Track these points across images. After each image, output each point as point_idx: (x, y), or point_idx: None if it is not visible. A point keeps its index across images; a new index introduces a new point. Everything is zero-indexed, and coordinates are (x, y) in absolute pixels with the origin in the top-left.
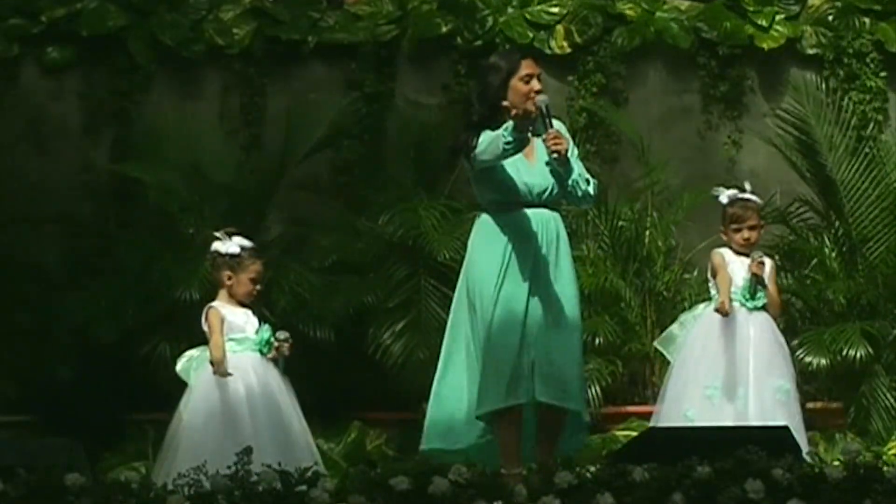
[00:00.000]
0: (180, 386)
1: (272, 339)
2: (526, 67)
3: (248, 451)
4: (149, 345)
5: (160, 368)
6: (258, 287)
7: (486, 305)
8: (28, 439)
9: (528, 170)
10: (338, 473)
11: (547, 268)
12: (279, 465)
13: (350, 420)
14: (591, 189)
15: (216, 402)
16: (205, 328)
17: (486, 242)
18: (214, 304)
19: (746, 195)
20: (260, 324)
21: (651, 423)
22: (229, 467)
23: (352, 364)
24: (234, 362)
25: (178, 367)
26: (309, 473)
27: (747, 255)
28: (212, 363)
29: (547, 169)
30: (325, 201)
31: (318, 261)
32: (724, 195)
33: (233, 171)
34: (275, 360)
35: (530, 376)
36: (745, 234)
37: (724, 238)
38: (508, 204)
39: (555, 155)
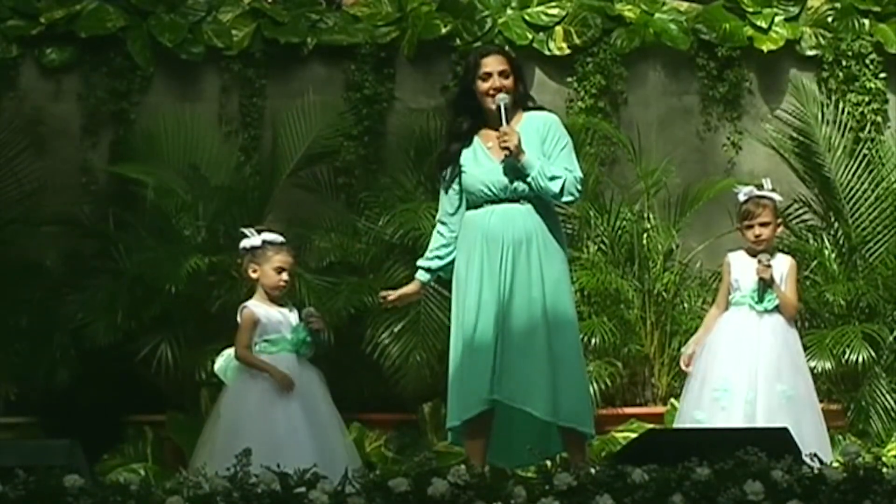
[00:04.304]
0: (180, 388)
1: (308, 340)
2: (484, 66)
3: (247, 452)
4: (148, 346)
5: (160, 370)
6: (285, 277)
7: (455, 312)
8: (27, 441)
9: (491, 167)
10: None
11: (513, 265)
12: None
13: (349, 421)
14: (552, 185)
15: (250, 403)
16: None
17: (460, 245)
18: (249, 303)
19: (760, 192)
20: (298, 324)
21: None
22: (228, 469)
23: (351, 365)
24: (269, 362)
25: (216, 366)
26: (308, 475)
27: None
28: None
29: (509, 165)
30: (324, 202)
31: (317, 262)
32: (742, 192)
33: (231, 173)
34: (316, 333)
35: (493, 379)
36: (756, 230)
37: (741, 236)
38: (476, 202)
39: (506, 152)
